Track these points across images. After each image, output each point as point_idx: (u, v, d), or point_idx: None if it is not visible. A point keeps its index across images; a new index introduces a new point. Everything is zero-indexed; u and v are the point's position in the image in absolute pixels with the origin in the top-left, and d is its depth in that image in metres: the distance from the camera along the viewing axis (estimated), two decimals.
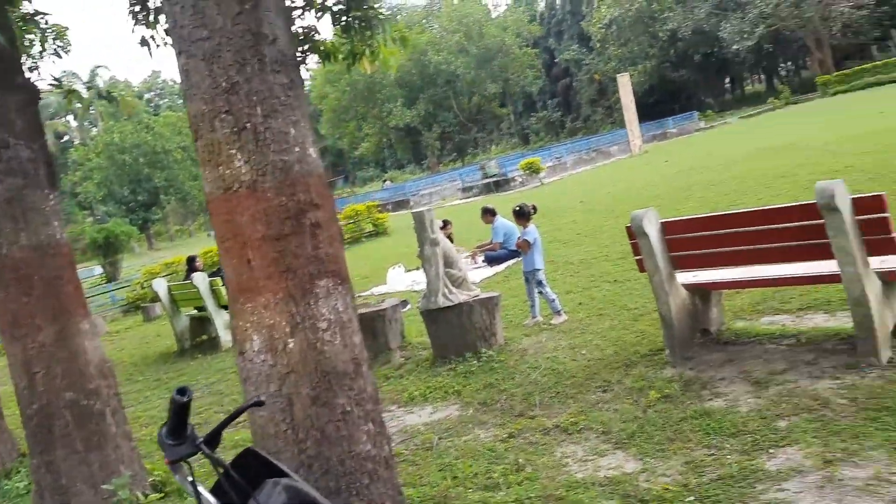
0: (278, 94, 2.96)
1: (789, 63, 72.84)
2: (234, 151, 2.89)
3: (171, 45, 3.05)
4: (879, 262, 4.65)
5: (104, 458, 4.83)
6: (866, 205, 4.46)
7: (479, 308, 6.94)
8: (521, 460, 4.39)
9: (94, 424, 4.84)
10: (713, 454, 3.89)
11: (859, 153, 14.16)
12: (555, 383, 5.62)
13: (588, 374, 5.64)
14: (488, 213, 12.34)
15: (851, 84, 45.41)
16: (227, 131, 2.89)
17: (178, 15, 2.96)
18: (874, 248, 4.53)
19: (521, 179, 33.56)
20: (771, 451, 3.77)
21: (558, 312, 7.60)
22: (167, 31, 5.72)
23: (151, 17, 6.09)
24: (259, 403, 2.32)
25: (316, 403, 2.97)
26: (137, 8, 5.99)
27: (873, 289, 4.50)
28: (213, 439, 2.16)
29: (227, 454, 2.43)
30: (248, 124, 2.89)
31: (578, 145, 44.58)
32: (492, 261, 12.35)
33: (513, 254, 12.04)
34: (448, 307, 6.96)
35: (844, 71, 49.93)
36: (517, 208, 8.13)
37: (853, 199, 4.46)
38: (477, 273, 11.58)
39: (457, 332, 6.92)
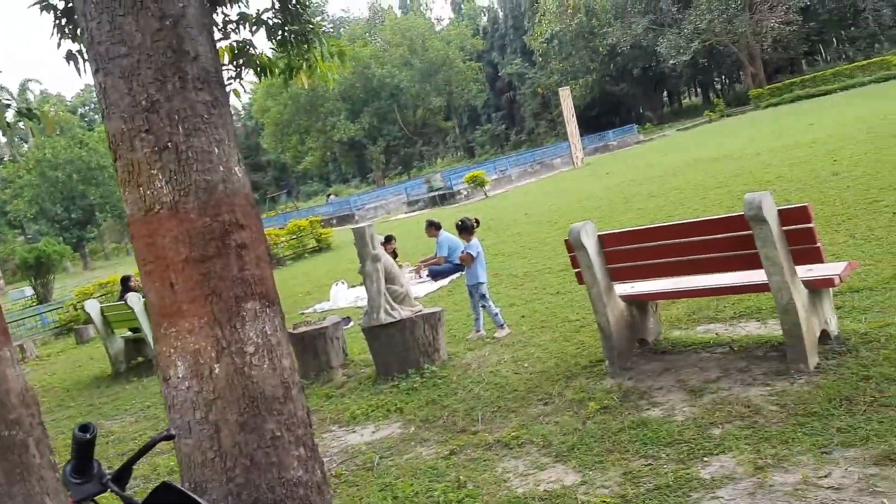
0: (201, 112, 2.90)
1: (724, 77, 74.93)
2: (154, 171, 2.81)
3: (88, 63, 2.96)
4: (806, 271, 4.77)
5: (28, 491, 4.60)
6: (792, 216, 4.59)
7: (422, 324, 6.92)
8: (462, 477, 4.36)
9: (16, 456, 4.62)
10: (650, 464, 3.93)
11: (790, 163, 14.60)
12: (497, 397, 5.62)
13: (530, 387, 5.65)
14: (433, 227, 12.33)
15: (782, 97, 46.95)
16: (148, 151, 2.81)
17: (95, 31, 2.87)
18: (800, 258, 4.65)
19: (466, 192, 33.68)
20: (705, 459, 3.83)
21: (501, 326, 7.61)
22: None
23: (78, 31, 5.90)
24: (170, 437, 2.23)
25: (244, 430, 2.90)
26: (63, 21, 5.79)
27: (800, 297, 4.61)
28: (123, 476, 2.06)
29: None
30: (170, 143, 2.82)
31: (523, 158, 44.99)
32: (436, 275, 12.33)
33: (457, 268, 12.05)
34: (390, 323, 6.92)
35: (776, 84, 51.62)
36: (460, 222, 8.15)
37: (780, 210, 4.58)
38: (421, 287, 11.56)
39: (399, 348, 6.88)
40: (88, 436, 1.95)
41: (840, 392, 4.14)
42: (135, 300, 10.24)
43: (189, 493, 2.18)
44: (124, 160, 2.85)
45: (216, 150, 2.91)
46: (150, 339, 10.22)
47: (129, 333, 11.11)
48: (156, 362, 3.04)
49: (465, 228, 8.02)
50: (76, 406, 9.28)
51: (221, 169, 2.92)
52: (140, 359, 11.19)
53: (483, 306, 7.76)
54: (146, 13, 2.81)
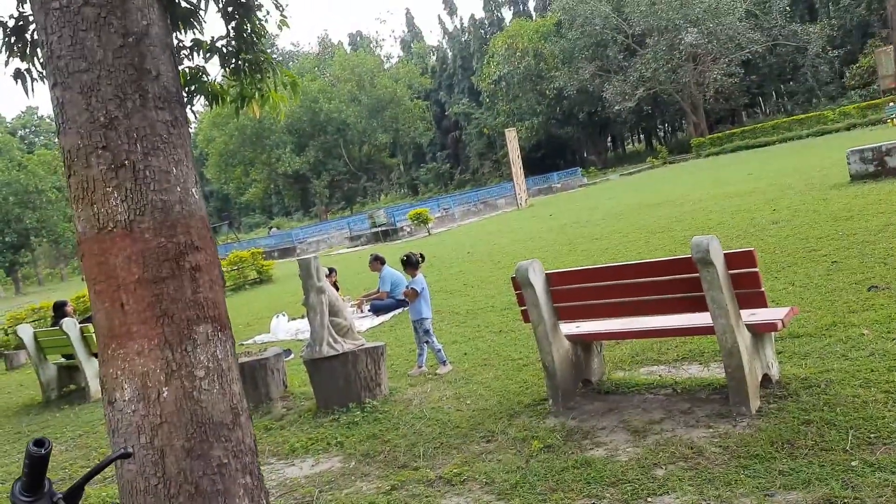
0: (160, 131, 2.85)
1: (667, 124, 77.34)
2: (110, 189, 2.74)
3: (46, 77, 2.88)
4: (750, 315, 4.89)
5: None
6: (738, 260, 4.71)
7: (365, 357, 6.85)
8: None
9: None
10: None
11: (731, 211, 15.03)
12: (439, 433, 5.58)
13: (472, 424, 5.63)
14: (377, 261, 12.29)
15: (723, 146, 48.62)
16: (104, 168, 2.74)
17: (56, 45, 2.81)
18: (745, 302, 4.77)
19: (409, 229, 33.75)
20: (649, 499, 3.85)
21: (444, 363, 7.59)
22: (43, 64, 5.41)
23: (28, 50, 5.75)
24: (126, 455, 2.15)
25: (190, 456, 2.80)
26: (13, 38, 5.64)
27: (744, 341, 4.72)
28: (74, 495, 1.98)
29: None
30: (127, 161, 2.76)
31: (467, 197, 45.37)
32: (378, 310, 12.26)
33: (400, 303, 12.01)
34: (332, 356, 6.83)
35: (717, 134, 53.49)
36: (405, 257, 8.16)
37: (726, 254, 4.69)
38: (363, 322, 11.46)
39: (341, 381, 6.79)
40: (43, 451, 1.85)
41: (782, 435, 4.21)
42: (70, 325, 9.90)
43: None
44: (78, 177, 2.77)
45: (174, 171, 2.85)
46: (84, 367, 9.88)
47: (63, 360, 10.72)
48: (101, 384, 2.92)
49: (411, 263, 8.05)
50: (3, 433, 8.87)
51: (179, 189, 2.87)
52: (72, 386, 10.79)
53: (426, 342, 7.75)
54: (108, 29, 2.77)
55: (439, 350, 7.67)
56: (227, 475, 2.90)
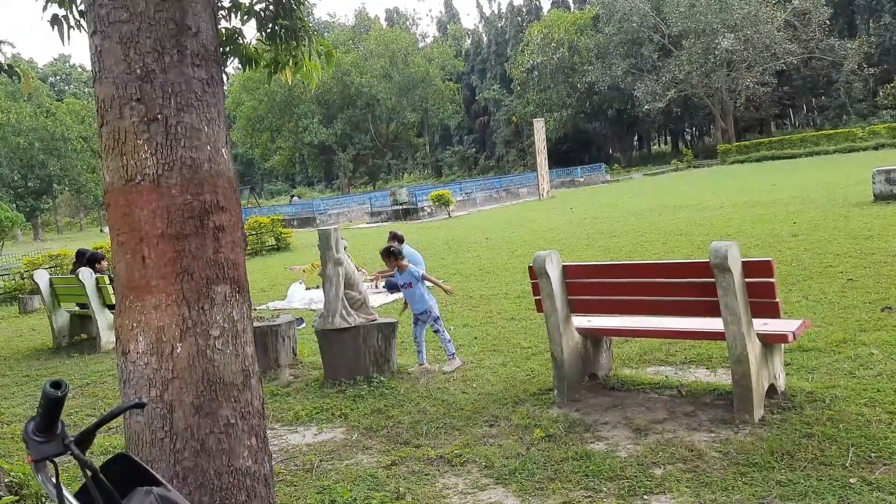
0: (195, 88, 2.86)
1: (695, 128, 76.67)
2: (140, 142, 2.76)
3: (86, 26, 2.90)
4: (762, 325, 4.87)
5: None
6: (756, 268, 4.69)
7: (376, 332, 6.89)
8: (401, 489, 4.34)
9: None
10: (590, 496, 3.95)
11: (751, 220, 14.95)
12: (443, 414, 5.61)
13: (477, 407, 5.66)
14: (395, 239, 12.30)
15: (749, 155, 48.22)
16: (136, 120, 2.76)
17: None
18: (759, 311, 4.75)
19: (430, 210, 33.75)
20: (645, 497, 3.87)
21: (452, 356, 7.04)
22: (82, 13, 5.44)
23: None
24: (140, 405, 2.18)
25: (199, 413, 2.84)
26: None
27: (754, 349, 4.70)
28: (86, 440, 2.01)
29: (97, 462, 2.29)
30: (160, 115, 2.78)
31: (490, 183, 45.34)
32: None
33: None
34: (344, 329, 6.87)
35: (744, 142, 53.08)
36: (387, 249, 7.42)
37: (744, 261, 4.67)
38: (377, 298, 11.51)
39: (351, 354, 6.84)
40: (60, 393, 1.88)
41: (783, 446, 4.22)
42: (87, 275, 10.00)
43: (147, 466, 2.13)
44: (111, 127, 2.79)
45: (206, 129, 2.87)
46: (97, 317, 10.00)
47: (76, 308, 10.84)
48: (116, 334, 2.97)
49: (393, 255, 7.28)
50: (11, 375, 9.00)
51: (209, 148, 2.88)
52: (84, 335, 10.92)
53: (437, 331, 7.14)
54: None
55: (449, 341, 7.11)
56: (233, 435, 2.94)
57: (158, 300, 2.81)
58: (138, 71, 2.77)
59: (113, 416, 2.07)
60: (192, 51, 2.85)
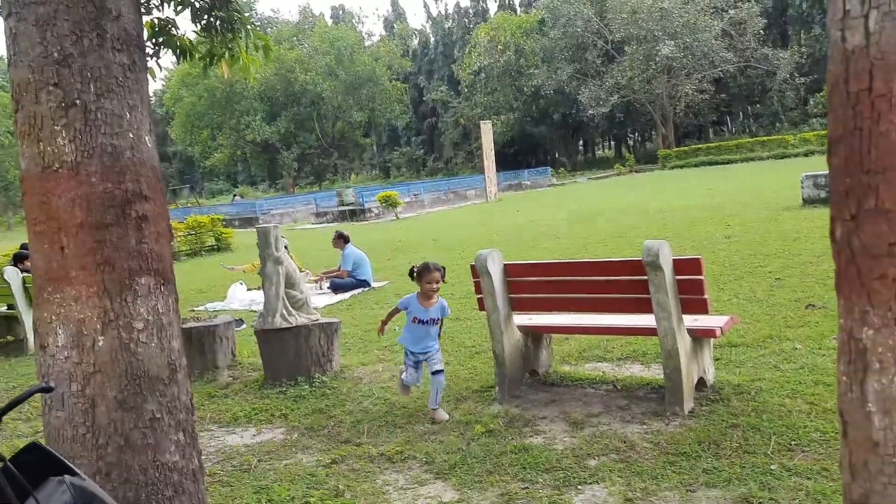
0: (116, 73, 2.77)
1: (637, 134, 78.08)
2: (58, 128, 2.67)
3: (0, 8, 2.80)
4: (692, 321, 5.00)
5: None
6: (686, 266, 4.82)
7: (318, 332, 6.81)
8: (341, 486, 4.31)
9: None
10: (527, 488, 3.99)
11: (687, 223, 15.36)
12: (385, 412, 5.59)
13: (419, 405, 5.65)
14: (340, 239, 12.23)
15: (688, 160, 49.44)
16: (54, 105, 2.67)
17: None
18: (689, 307, 4.87)
19: (377, 211, 33.63)
20: (579, 487, 3.93)
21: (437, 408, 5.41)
22: None
23: None
24: (48, 389, 2.12)
25: (122, 407, 2.76)
26: None
27: (684, 344, 4.82)
28: None
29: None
30: (78, 101, 2.69)
31: (437, 185, 45.36)
32: (337, 288, 12.19)
33: (360, 283, 11.98)
34: (285, 329, 6.78)
35: (684, 147, 54.41)
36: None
37: (675, 259, 4.79)
38: (320, 299, 11.40)
39: (291, 354, 6.75)
40: None
41: (709, 436, 4.36)
42: (12, 274, 9.65)
43: (61, 456, 2.06)
44: (26, 112, 2.69)
45: (127, 115, 2.78)
46: (24, 318, 9.65)
47: (3, 309, 10.47)
48: (33, 328, 2.87)
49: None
50: None
51: (131, 135, 2.79)
52: (10, 337, 10.54)
53: (435, 372, 5.46)
54: None
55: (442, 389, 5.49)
56: (158, 430, 2.86)
57: (79, 292, 2.72)
58: (55, 55, 2.67)
59: (18, 401, 2.02)
60: (113, 35, 2.76)
